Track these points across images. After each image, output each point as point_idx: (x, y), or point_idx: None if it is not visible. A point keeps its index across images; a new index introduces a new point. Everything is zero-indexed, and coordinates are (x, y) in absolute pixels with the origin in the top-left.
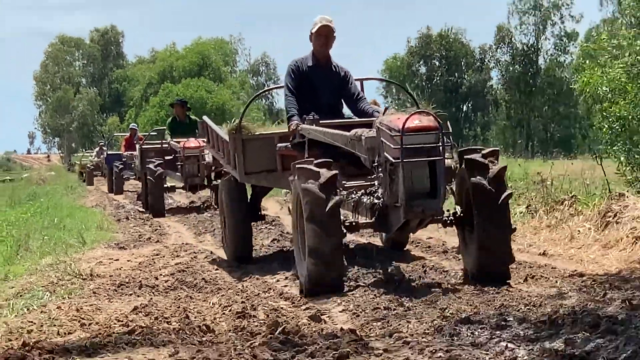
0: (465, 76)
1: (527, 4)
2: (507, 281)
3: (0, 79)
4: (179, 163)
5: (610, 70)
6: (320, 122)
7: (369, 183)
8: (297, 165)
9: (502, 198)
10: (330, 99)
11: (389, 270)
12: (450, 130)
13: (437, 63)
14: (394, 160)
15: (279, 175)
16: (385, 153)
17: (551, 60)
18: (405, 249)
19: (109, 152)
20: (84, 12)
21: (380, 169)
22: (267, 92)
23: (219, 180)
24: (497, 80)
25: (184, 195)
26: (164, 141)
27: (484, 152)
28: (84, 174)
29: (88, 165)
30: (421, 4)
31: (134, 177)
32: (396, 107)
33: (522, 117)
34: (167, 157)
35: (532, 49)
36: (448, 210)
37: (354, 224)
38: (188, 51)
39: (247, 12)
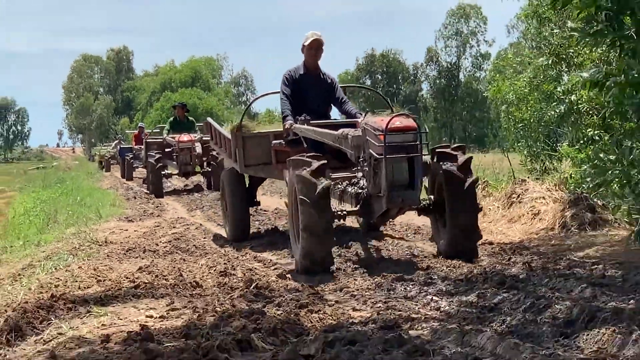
0: (402, 87)
1: (450, 31)
2: (474, 257)
3: (35, 87)
4: (175, 154)
5: (516, 82)
6: (311, 122)
7: (351, 175)
8: (292, 159)
9: (469, 183)
10: (319, 102)
11: None
12: (427, 131)
13: (379, 77)
14: (377, 156)
15: (274, 168)
16: (369, 150)
17: (469, 76)
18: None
19: (121, 146)
20: (102, 35)
21: (365, 164)
22: (263, 97)
23: (208, 169)
24: (427, 91)
25: (180, 180)
26: (164, 137)
27: (452, 146)
28: (103, 163)
29: (106, 156)
30: (367, 30)
31: (142, 165)
32: (373, 111)
33: (446, 120)
34: (166, 150)
35: (454, 67)
36: (423, 200)
37: (340, 212)
38: (184, 67)
39: (231, 36)
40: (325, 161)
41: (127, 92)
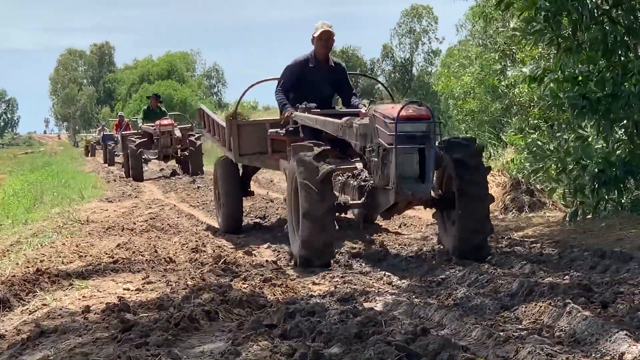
0: (360, 80)
1: (404, 29)
2: (488, 254)
3: (24, 79)
4: (155, 137)
5: (463, 77)
6: (312, 110)
7: (351, 167)
8: (294, 145)
9: (480, 171)
10: (328, 93)
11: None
12: (441, 121)
13: None
14: (387, 146)
15: (269, 157)
16: (378, 139)
17: (422, 70)
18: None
19: (104, 133)
20: (87, 32)
21: (373, 154)
22: (260, 83)
23: (186, 153)
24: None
25: (157, 165)
26: (139, 126)
27: (462, 137)
28: (89, 148)
29: (91, 142)
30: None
31: (121, 153)
32: (374, 101)
33: None
34: (142, 139)
35: (408, 62)
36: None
37: (343, 204)
38: (160, 60)
39: (203, 33)
40: (329, 147)
41: (109, 83)
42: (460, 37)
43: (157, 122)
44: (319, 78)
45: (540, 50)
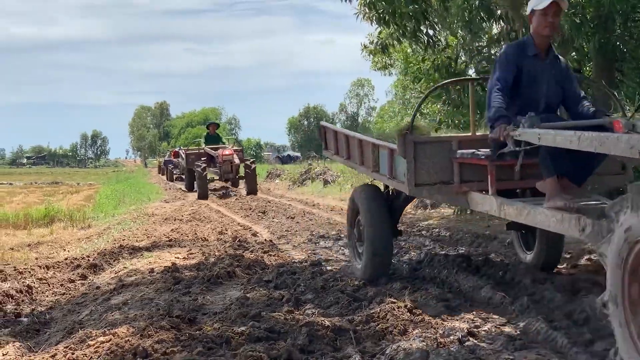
0: None
1: (353, 93)
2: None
3: (113, 125)
4: (218, 164)
5: (390, 122)
6: (541, 125)
7: None
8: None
9: None
10: (551, 97)
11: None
12: None
13: (312, 120)
14: None
15: (456, 189)
16: None
17: (364, 120)
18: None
19: (165, 159)
20: (151, 94)
21: None
22: (449, 85)
23: (242, 175)
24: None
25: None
26: (201, 148)
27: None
28: (160, 168)
29: (160, 164)
30: (303, 94)
31: (179, 172)
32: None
33: None
34: (202, 158)
35: (356, 114)
36: None
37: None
38: (199, 113)
39: (224, 94)
40: None
41: (166, 127)
42: (388, 98)
43: (220, 152)
44: (542, 74)
45: (438, 106)
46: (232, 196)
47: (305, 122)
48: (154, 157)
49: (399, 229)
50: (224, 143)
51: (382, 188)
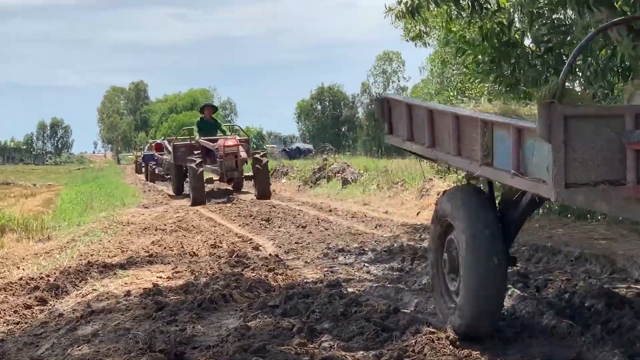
0: (343, 111)
1: (378, 70)
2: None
3: (77, 111)
4: (218, 159)
5: None
6: None
7: None
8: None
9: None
10: None
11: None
12: None
13: (327, 103)
14: None
15: (632, 192)
16: None
17: None
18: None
19: (144, 153)
20: (125, 72)
21: None
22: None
23: (250, 174)
24: (362, 114)
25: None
26: (192, 138)
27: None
28: (137, 164)
29: (139, 159)
30: (319, 69)
31: (162, 171)
32: None
33: (375, 134)
34: (196, 152)
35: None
36: None
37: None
38: (185, 95)
39: (218, 73)
40: None
41: (144, 113)
42: (422, 76)
43: (221, 143)
44: None
45: (487, 86)
46: (231, 200)
47: (319, 106)
48: (129, 150)
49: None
50: (223, 132)
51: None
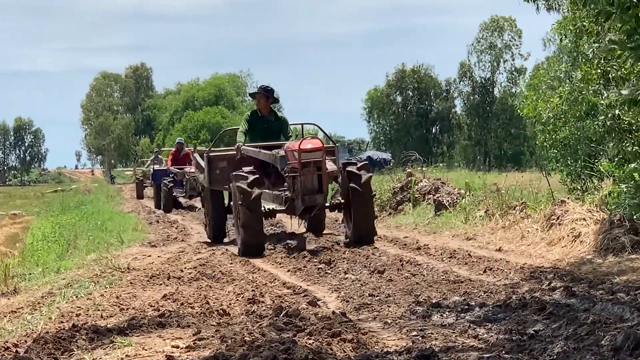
0: (434, 104)
1: (483, 45)
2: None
3: (52, 107)
4: (290, 174)
5: (552, 99)
6: None
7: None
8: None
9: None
10: None
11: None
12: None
13: (410, 93)
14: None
15: None
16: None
17: (505, 91)
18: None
19: (155, 168)
20: (120, 51)
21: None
22: None
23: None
24: (460, 107)
25: None
26: (232, 147)
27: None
28: (139, 184)
29: (138, 177)
30: (397, 45)
31: (184, 195)
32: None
33: (480, 138)
34: (246, 169)
35: (489, 82)
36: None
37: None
38: (207, 84)
39: (253, 53)
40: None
41: (148, 110)
42: (548, 52)
43: (293, 145)
44: None
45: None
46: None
47: (399, 98)
48: (127, 164)
49: None
50: (287, 137)
51: None
